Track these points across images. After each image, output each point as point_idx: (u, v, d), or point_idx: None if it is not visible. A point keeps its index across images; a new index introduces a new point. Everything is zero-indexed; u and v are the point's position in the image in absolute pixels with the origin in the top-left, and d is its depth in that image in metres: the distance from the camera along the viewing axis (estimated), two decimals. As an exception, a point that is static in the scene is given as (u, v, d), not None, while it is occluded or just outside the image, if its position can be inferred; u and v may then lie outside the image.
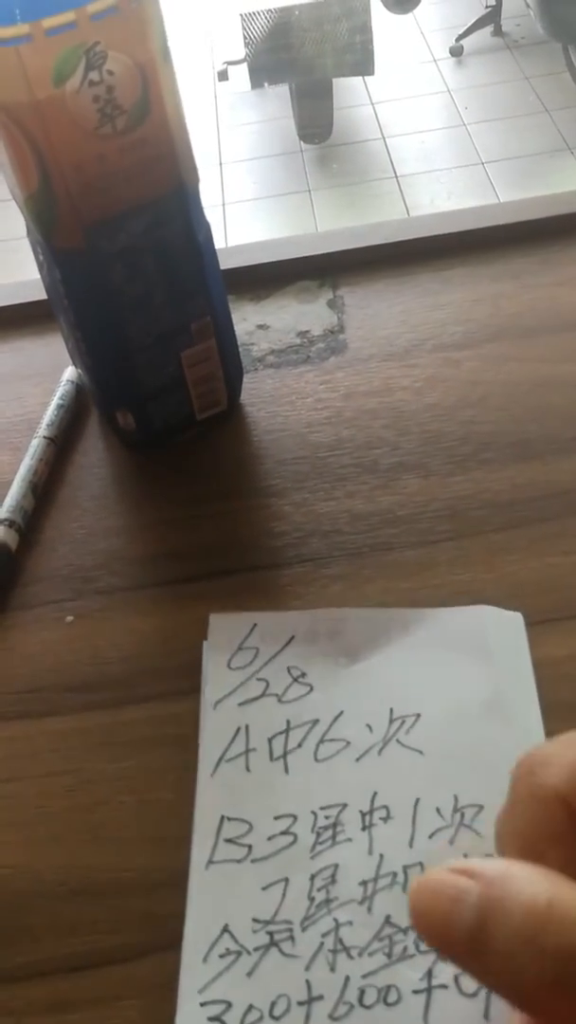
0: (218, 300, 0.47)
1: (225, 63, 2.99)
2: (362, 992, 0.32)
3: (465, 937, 0.16)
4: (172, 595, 0.44)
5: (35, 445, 0.49)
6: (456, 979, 0.32)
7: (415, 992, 0.31)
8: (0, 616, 0.44)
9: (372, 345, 0.54)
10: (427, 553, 0.44)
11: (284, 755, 0.38)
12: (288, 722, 0.38)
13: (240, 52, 2.81)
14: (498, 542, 0.44)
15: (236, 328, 0.51)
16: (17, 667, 0.42)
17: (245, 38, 2.59)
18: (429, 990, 0.31)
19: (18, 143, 0.38)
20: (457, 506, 0.46)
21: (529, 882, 0.16)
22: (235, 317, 0.54)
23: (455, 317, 0.54)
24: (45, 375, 0.55)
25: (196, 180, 0.43)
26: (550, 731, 0.37)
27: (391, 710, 0.38)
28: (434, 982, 0.32)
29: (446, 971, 0.32)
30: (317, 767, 0.37)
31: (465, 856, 0.34)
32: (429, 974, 0.32)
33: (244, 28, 2.54)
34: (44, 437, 0.49)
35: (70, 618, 0.44)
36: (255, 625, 0.42)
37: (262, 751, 0.38)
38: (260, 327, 0.56)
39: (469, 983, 0.31)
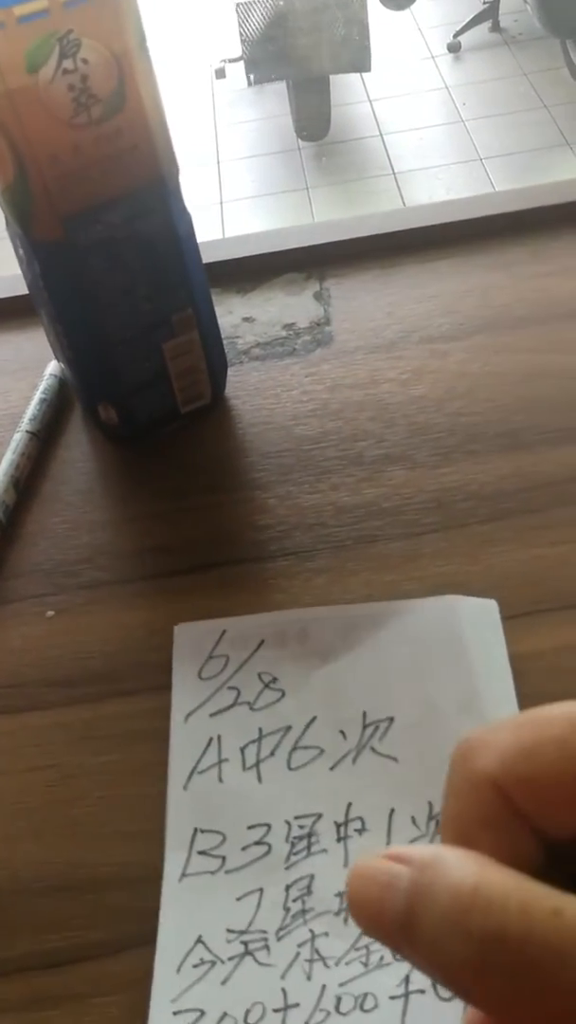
0: (200, 292, 0.46)
1: (223, 61, 2.99)
2: (339, 1000, 0.31)
3: (396, 923, 0.16)
4: (156, 589, 0.44)
5: (17, 439, 0.49)
6: (434, 984, 0.31)
7: (392, 998, 0.31)
8: (-18, 611, 0.44)
9: (358, 337, 0.54)
10: (412, 545, 0.44)
11: (257, 764, 0.37)
12: (260, 730, 0.38)
13: (237, 50, 2.81)
14: (484, 533, 0.44)
15: (222, 321, 0.51)
16: (-2, 662, 0.42)
17: (241, 34, 2.59)
18: (406, 996, 0.31)
19: (-7, 133, 0.38)
20: (443, 498, 0.45)
21: (457, 866, 0.15)
22: (221, 310, 0.54)
23: (443, 308, 0.54)
24: (29, 369, 0.54)
25: (176, 172, 0.43)
26: None
27: (364, 714, 0.38)
28: (411, 987, 0.31)
29: (423, 977, 0.31)
30: (291, 775, 0.37)
31: None
32: (406, 980, 0.31)
33: (240, 23, 2.54)
34: (27, 431, 0.49)
35: (51, 613, 0.43)
36: (224, 632, 0.41)
37: (235, 761, 0.37)
38: (246, 320, 0.56)
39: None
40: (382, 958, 0.32)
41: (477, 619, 0.40)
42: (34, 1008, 0.33)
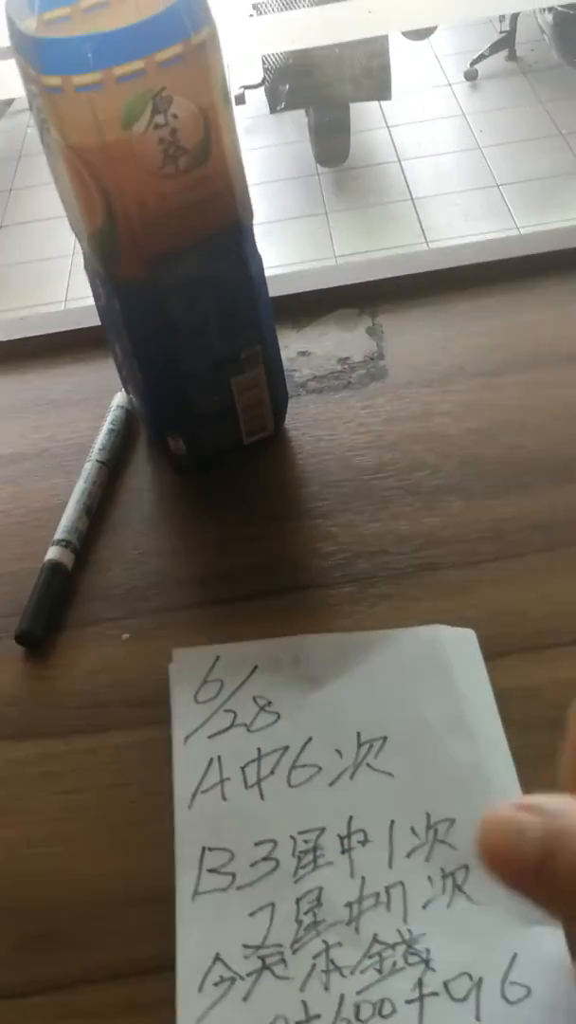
0: (267, 329, 0.48)
1: (242, 87, 3.04)
2: (357, 1008, 0.33)
3: (533, 866, 0.18)
4: (224, 614, 0.46)
5: (89, 469, 0.51)
6: (446, 985, 0.33)
7: (408, 1002, 0.33)
8: (59, 634, 0.46)
9: (412, 371, 0.56)
10: (471, 573, 0.45)
11: (258, 782, 0.39)
12: (259, 750, 0.40)
13: (257, 76, 2.85)
14: (540, 563, 0.45)
15: (280, 355, 0.53)
16: (77, 683, 0.44)
17: (264, 63, 2.63)
18: (421, 999, 0.33)
19: (86, 182, 0.40)
20: (499, 528, 0.47)
21: None
22: (278, 344, 0.56)
23: (493, 344, 0.56)
24: (94, 400, 0.57)
25: (250, 216, 0.45)
26: (515, 745, 0.39)
27: (358, 734, 0.40)
28: (425, 991, 0.33)
29: (435, 979, 0.33)
30: (291, 793, 0.38)
31: (442, 870, 0.36)
32: (420, 983, 0.33)
33: (263, 53, 2.58)
34: (97, 461, 0.51)
35: (126, 635, 0.45)
36: (217, 657, 0.43)
37: (236, 780, 0.39)
38: (302, 354, 0.58)
39: (459, 988, 0.33)
40: (395, 964, 0.33)
41: (459, 647, 0.42)
42: (129, 1013, 0.34)
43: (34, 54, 0.38)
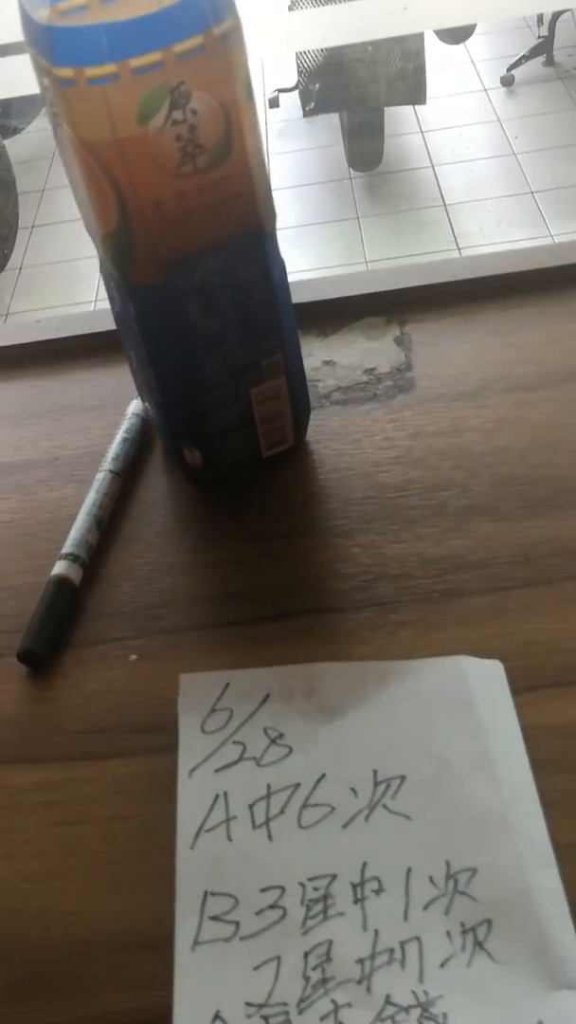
0: (289, 338, 0.46)
1: (276, 90, 3.02)
2: None
3: None
4: (237, 636, 0.44)
5: (100, 479, 0.49)
6: None
7: None
8: (63, 652, 0.44)
9: (441, 384, 0.53)
10: (499, 600, 0.43)
11: (267, 822, 0.36)
12: (269, 787, 0.37)
13: (291, 80, 2.83)
14: (572, 591, 0.43)
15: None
16: (80, 706, 0.42)
17: (298, 67, 2.61)
18: None
19: (99, 180, 0.38)
20: (530, 552, 0.44)
21: None
22: (302, 353, 0.54)
23: (527, 357, 0.53)
24: (109, 407, 0.55)
25: (273, 219, 0.43)
26: (544, 788, 0.36)
27: (375, 772, 0.37)
28: None
29: None
30: (302, 834, 0.36)
31: (462, 924, 0.33)
32: None
33: (297, 57, 2.56)
34: (110, 471, 0.49)
35: (133, 656, 0.43)
36: (227, 684, 0.40)
37: (243, 819, 0.36)
38: (327, 363, 0.56)
39: None
40: None
41: (485, 680, 0.39)
42: (119, 1068, 0.32)
43: (46, 44, 0.36)
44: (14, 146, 2.76)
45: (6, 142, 2.60)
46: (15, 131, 2.90)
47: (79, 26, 0.35)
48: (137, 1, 0.36)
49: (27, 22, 0.38)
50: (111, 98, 0.36)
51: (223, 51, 0.37)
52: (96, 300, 2.36)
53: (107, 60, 0.35)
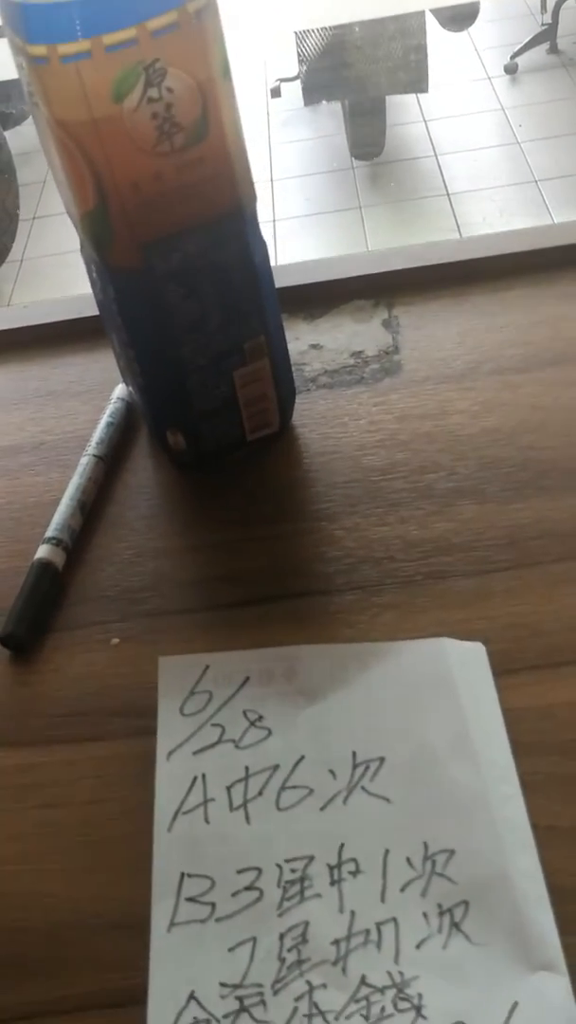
0: (272, 320, 0.46)
1: (278, 80, 3.00)
2: None
3: None
4: (220, 620, 0.43)
5: (84, 463, 0.49)
6: None
7: None
8: (45, 636, 0.44)
9: (427, 367, 0.53)
10: (483, 583, 0.43)
11: (244, 804, 0.36)
12: (247, 769, 0.37)
13: (292, 69, 2.82)
14: (557, 573, 0.43)
15: (289, 348, 0.50)
16: (61, 689, 0.42)
17: (299, 55, 2.60)
18: None
19: (76, 160, 0.38)
20: (515, 534, 0.44)
21: None
22: (288, 336, 0.53)
23: (514, 339, 0.53)
24: (95, 392, 0.54)
25: (253, 200, 0.42)
26: (524, 770, 0.36)
27: (354, 754, 0.37)
28: None
29: None
30: (280, 816, 0.36)
31: (439, 906, 0.32)
32: None
33: (298, 45, 2.55)
34: (93, 455, 0.49)
35: (116, 640, 0.43)
36: (207, 667, 0.40)
37: (221, 801, 0.36)
38: (313, 347, 0.55)
39: None
40: (383, 1009, 0.31)
41: (466, 662, 0.39)
42: (94, 1050, 0.32)
43: (20, 22, 0.36)
44: (15, 137, 2.76)
45: (7, 133, 2.60)
46: (15, 122, 2.90)
47: (51, 3, 0.35)
48: (113, -22, 0.36)
49: (3, 2, 0.37)
50: (85, 76, 0.36)
51: (198, 28, 0.37)
52: (98, 291, 2.36)
53: (80, 37, 0.35)
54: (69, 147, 0.38)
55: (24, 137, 2.98)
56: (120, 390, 0.52)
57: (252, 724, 0.38)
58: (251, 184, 0.42)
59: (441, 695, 0.38)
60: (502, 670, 0.39)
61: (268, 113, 3.09)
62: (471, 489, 0.46)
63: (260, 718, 0.38)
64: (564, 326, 0.53)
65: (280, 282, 0.47)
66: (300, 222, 2.65)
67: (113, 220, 0.39)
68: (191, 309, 0.42)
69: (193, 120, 0.38)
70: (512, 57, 3.10)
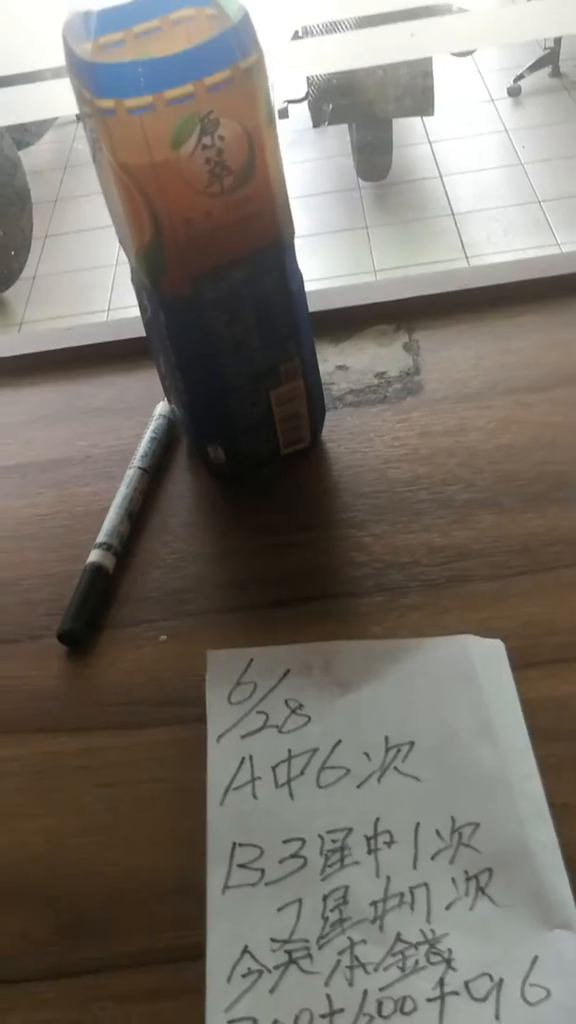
0: (306, 344, 0.50)
1: (286, 101, 3.06)
2: (380, 1004, 0.34)
3: None
4: (257, 619, 0.47)
5: (131, 475, 0.53)
6: (467, 985, 0.34)
7: (429, 1000, 0.34)
8: (98, 633, 0.47)
9: (446, 387, 0.57)
10: (501, 586, 0.46)
11: (288, 782, 0.40)
12: (289, 751, 0.41)
13: (299, 91, 2.88)
14: (569, 577, 0.46)
15: (318, 368, 0.54)
16: (115, 681, 0.45)
17: (308, 77, 2.65)
18: (442, 998, 0.34)
19: (135, 199, 0.42)
20: (529, 542, 0.48)
21: None
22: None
23: (527, 361, 0.57)
24: (136, 409, 0.58)
25: (292, 234, 0.46)
26: (541, 754, 0.40)
27: (387, 738, 0.41)
28: (446, 990, 0.34)
29: (457, 979, 0.34)
30: (320, 793, 0.39)
31: (466, 872, 0.36)
32: (441, 983, 0.34)
33: (307, 69, 2.60)
34: (139, 468, 0.53)
35: (163, 637, 0.47)
36: (251, 660, 0.44)
37: (267, 779, 0.40)
38: (340, 368, 0.59)
39: (480, 988, 0.34)
40: (417, 962, 0.35)
41: (487, 657, 0.43)
42: (155, 999, 0.35)
43: (89, 77, 0.40)
44: (27, 157, 2.81)
45: (20, 153, 2.65)
46: (27, 144, 2.95)
47: (121, 63, 0.39)
48: (168, 35, 0.40)
49: (70, 55, 0.41)
50: (147, 126, 0.40)
51: (248, 82, 0.41)
52: (109, 308, 2.41)
53: (144, 92, 0.39)
54: (130, 188, 0.42)
55: (36, 157, 3.03)
56: (162, 407, 0.56)
57: (293, 711, 0.42)
58: (290, 219, 0.46)
59: (465, 687, 0.42)
60: (520, 664, 0.43)
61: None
62: (489, 500, 0.50)
63: (300, 706, 0.42)
64: (574, 349, 0.57)
65: (309, 308, 0.51)
66: (307, 242, 2.70)
67: (167, 253, 0.43)
68: (234, 334, 0.46)
69: (241, 163, 0.42)
70: (515, 80, 3.16)
